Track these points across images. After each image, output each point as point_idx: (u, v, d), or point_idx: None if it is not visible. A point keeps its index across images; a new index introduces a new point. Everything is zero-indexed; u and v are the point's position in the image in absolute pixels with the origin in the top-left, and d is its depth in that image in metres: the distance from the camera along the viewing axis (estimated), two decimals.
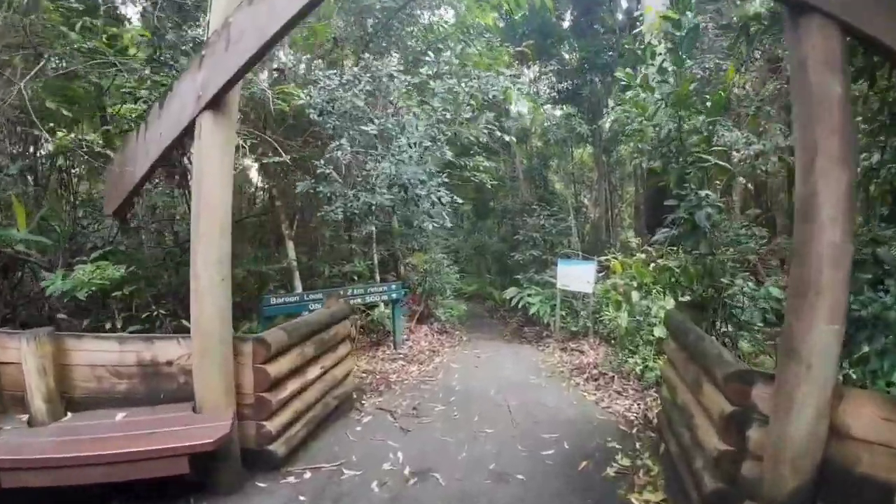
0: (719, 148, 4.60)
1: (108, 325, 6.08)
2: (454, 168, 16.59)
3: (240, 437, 4.43)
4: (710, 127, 4.23)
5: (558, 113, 21.21)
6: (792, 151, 11.70)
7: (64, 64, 5.95)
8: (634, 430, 5.31)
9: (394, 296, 8.90)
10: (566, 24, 18.89)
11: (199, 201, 4.19)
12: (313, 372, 5.30)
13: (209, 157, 4.17)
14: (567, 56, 19.89)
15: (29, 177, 6.82)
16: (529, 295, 11.68)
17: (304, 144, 8.32)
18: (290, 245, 8.55)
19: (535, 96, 20.76)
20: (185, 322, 5.39)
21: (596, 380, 7.35)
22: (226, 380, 4.25)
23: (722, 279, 4.20)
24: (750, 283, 4.29)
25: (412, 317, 10.88)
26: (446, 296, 11.34)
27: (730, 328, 4.41)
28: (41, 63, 5.74)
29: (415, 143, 7.80)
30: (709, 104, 4.14)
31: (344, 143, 7.04)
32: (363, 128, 7.41)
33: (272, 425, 4.57)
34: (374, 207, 7.56)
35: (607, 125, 15.82)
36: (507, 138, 13.71)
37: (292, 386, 4.89)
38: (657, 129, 4.29)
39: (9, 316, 6.51)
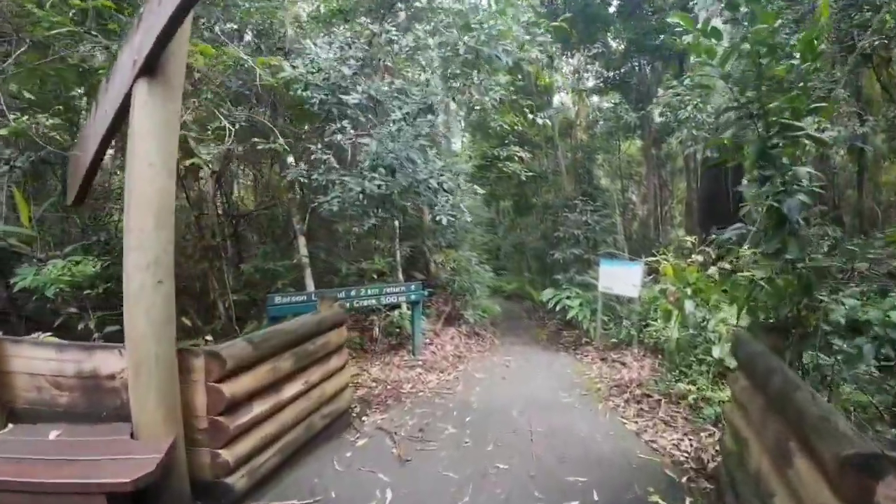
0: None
1: (80, 326, 5.44)
2: (494, 160, 15.60)
3: (192, 466, 3.64)
4: (809, 76, 3.03)
5: (605, 105, 19.86)
6: (865, 141, 10.30)
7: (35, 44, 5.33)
8: (685, 479, 4.16)
9: (413, 297, 7.96)
10: (612, 10, 17.39)
11: (130, 187, 3.36)
12: (292, 389, 4.43)
13: (142, 132, 3.34)
14: (613, 44, 18.47)
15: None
16: (568, 297, 10.53)
17: (315, 131, 7.47)
18: (302, 240, 7.75)
19: (578, 85, 19.58)
20: None
21: (639, 402, 6.18)
22: (165, 402, 3.42)
23: (821, 295, 2.99)
24: (857, 302, 3.05)
25: (438, 318, 9.93)
26: (476, 296, 10.27)
27: (822, 363, 3.16)
28: (21, 48, 5.22)
29: (408, 114, 6.68)
30: (796, 53, 2.95)
31: (346, 126, 6.06)
32: (343, 97, 6.33)
33: (230, 454, 3.73)
34: (364, 196, 6.44)
35: (657, 113, 14.39)
36: (540, 121, 12.28)
37: (260, 407, 4.04)
38: (730, 84, 3.12)
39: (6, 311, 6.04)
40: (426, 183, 6.70)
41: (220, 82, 5.99)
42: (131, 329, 3.31)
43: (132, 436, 3.45)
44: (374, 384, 6.86)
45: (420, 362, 7.84)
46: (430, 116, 7.03)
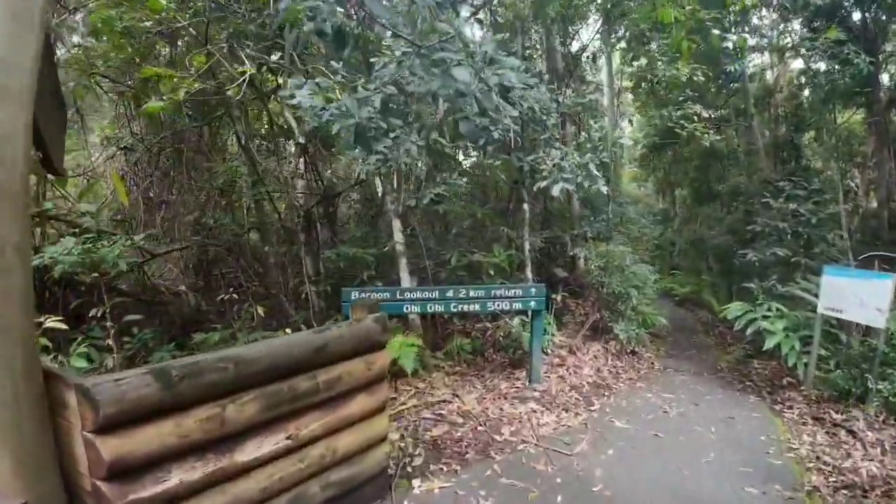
0: None
1: None
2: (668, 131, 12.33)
3: None
4: None
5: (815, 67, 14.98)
6: None
7: None
8: None
9: (531, 305, 5.76)
10: None
11: None
12: (262, 447, 2.66)
13: None
14: None
15: None
16: (766, 317, 7.36)
17: None
18: (397, 224, 6.03)
19: (777, 42, 15.05)
20: None
21: None
22: (10, 445, 1.88)
23: None
24: None
25: (578, 329, 7.57)
26: (633, 304, 7.65)
27: None
28: None
29: None
30: None
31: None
32: None
33: None
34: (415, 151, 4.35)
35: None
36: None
37: (185, 475, 2.29)
38: None
39: None
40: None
41: None
42: None
43: None
44: (460, 420, 4.91)
45: (537, 393, 5.67)
46: None
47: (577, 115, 8.87)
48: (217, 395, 2.52)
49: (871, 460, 4.76)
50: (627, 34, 12.74)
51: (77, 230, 5.64)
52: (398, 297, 5.49)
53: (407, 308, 5.56)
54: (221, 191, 6.62)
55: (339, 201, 7.14)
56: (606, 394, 6.27)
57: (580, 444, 4.69)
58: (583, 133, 7.04)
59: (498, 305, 5.65)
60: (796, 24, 14.12)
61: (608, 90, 13.76)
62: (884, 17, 13.11)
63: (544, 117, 6.21)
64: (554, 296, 7.38)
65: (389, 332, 3.56)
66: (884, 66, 10.40)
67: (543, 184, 5.81)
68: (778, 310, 7.81)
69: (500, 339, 6.44)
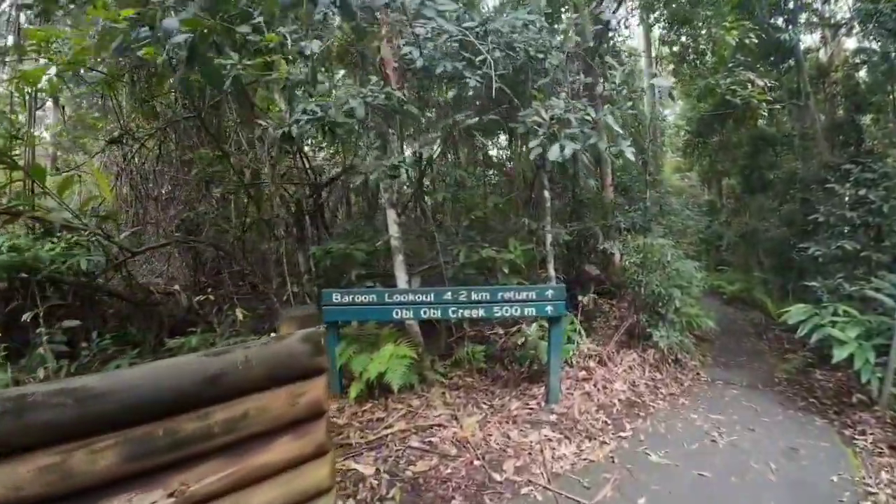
0: None
1: None
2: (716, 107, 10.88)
3: None
4: None
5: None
6: None
7: None
8: None
9: (547, 310, 4.74)
10: None
11: None
12: None
13: None
14: None
15: None
16: (833, 323, 6.08)
17: None
18: (391, 215, 5.14)
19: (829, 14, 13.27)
20: None
21: None
22: None
23: None
24: None
25: (612, 335, 6.50)
26: (675, 306, 6.46)
27: None
28: None
29: None
30: None
31: None
32: None
33: None
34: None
35: None
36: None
37: None
38: None
39: None
40: None
41: None
42: None
43: None
44: (454, 451, 3.99)
45: (554, 416, 4.68)
46: None
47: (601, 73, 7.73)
48: (57, 438, 1.78)
49: None
50: (667, 12, 11.49)
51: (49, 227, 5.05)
52: (386, 300, 4.62)
53: (396, 314, 4.69)
54: (207, 183, 5.95)
55: (331, 190, 6.32)
56: (642, 414, 5.20)
57: (603, 489, 3.69)
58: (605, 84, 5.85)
59: (506, 311, 4.67)
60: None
61: (646, 66, 12.45)
62: None
63: (541, 55, 5.14)
64: (583, 297, 6.33)
65: (324, 354, 2.65)
66: None
67: (534, 144, 4.70)
68: (847, 314, 6.51)
69: (515, 348, 5.45)
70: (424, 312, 4.67)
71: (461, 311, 4.65)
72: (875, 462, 4.54)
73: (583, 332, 5.97)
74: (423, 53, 4.65)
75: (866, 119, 12.75)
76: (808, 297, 7.81)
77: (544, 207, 5.72)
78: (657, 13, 11.55)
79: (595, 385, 5.34)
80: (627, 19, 9.16)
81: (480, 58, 4.61)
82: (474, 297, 4.65)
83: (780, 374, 7.49)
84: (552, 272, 5.74)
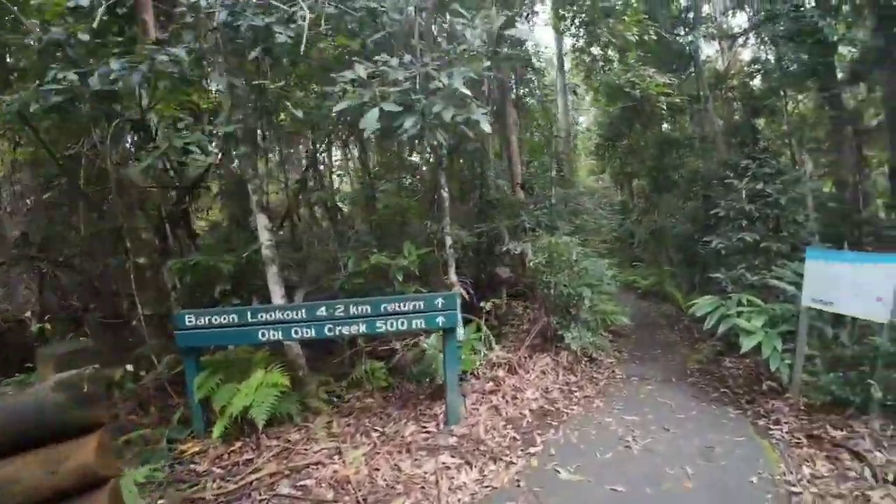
0: None
1: None
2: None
3: None
4: None
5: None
6: None
7: None
8: None
9: (437, 321, 4.07)
10: None
11: None
12: None
13: None
14: None
15: None
16: (740, 313, 5.82)
17: None
18: (262, 220, 4.30)
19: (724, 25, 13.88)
20: None
21: None
22: None
23: None
24: None
25: (522, 341, 5.94)
26: (583, 306, 6.00)
27: None
28: None
29: None
30: None
31: None
32: None
33: None
34: None
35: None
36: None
37: None
38: None
39: None
40: None
41: None
42: None
43: None
44: (330, 495, 3.22)
45: (454, 439, 4.01)
46: None
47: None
48: None
49: (889, 496, 3.29)
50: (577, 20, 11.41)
51: None
52: (249, 320, 3.81)
53: (263, 335, 3.87)
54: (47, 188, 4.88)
55: (198, 193, 5.39)
56: (554, 423, 4.64)
57: None
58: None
59: (391, 324, 3.96)
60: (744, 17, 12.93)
61: (558, 74, 12.32)
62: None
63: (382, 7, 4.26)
64: (486, 302, 5.74)
65: (95, 403, 1.85)
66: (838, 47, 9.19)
67: (340, 106, 3.71)
68: (751, 303, 6.32)
69: (413, 363, 4.74)
70: (296, 332, 3.88)
71: (338, 327, 3.89)
72: (794, 455, 4.22)
73: (492, 339, 5.38)
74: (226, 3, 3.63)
75: (761, 122, 13.23)
76: (714, 289, 7.67)
77: (443, 208, 5.06)
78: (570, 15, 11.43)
79: (504, 397, 4.73)
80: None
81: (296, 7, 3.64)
82: (353, 311, 3.90)
83: (692, 364, 7.25)
84: (454, 277, 5.10)
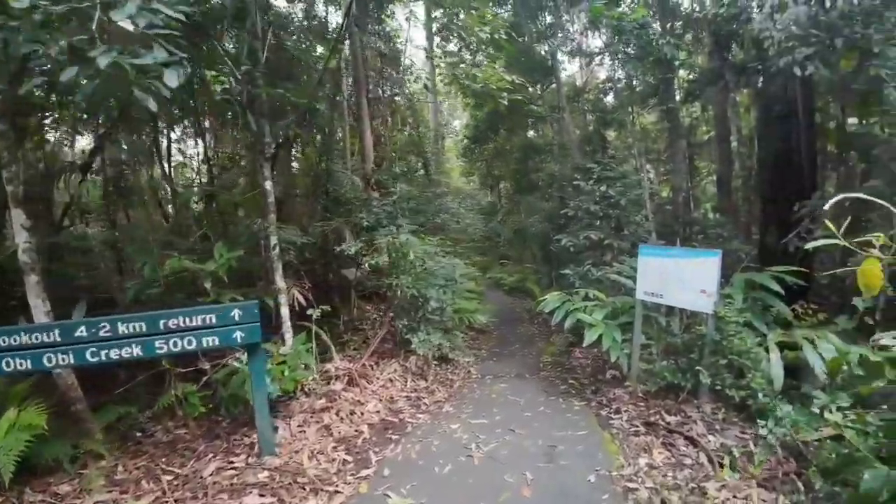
0: None
1: None
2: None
3: None
4: None
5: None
6: None
7: None
8: None
9: (235, 338, 3.31)
10: None
11: None
12: None
13: None
14: None
15: None
16: (585, 308, 5.80)
17: None
18: (18, 215, 3.23)
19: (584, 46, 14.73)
20: None
21: None
22: None
23: None
24: None
25: (366, 348, 5.34)
26: (428, 309, 5.51)
27: None
28: None
29: None
30: None
31: None
32: None
33: None
34: None
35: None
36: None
37: None
38: None
39: None
40: None
41: None
42: None
43: None
44: None
45: (266, 473, 3.28)
46: None
47: None
48: None
49: (725, 487, 3.25)
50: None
51: None
52: None
53: (8, 364, 2.86)
54: None
55: None
56: (395, 437, 4.12)
57: None
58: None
59: (175, 344, 3.13)
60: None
61: (430, 74, 12.01)
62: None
63: None
64: (325, 308, 5.04)
65: None
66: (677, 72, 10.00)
67: None
68: (595, 298, 6.39)
69: (222, 386, 3.92)
70: (49, 359, 2.90)
71: (104, 351, 2.99)
72: (632, 444, 4.14)
73: (333, 348, 4.73)
74: None
75: (611, 133, 14.11)
76: (565, 284, 7.80)
77: (267, 203, 4.29)
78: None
79: (339, 413, 4.10)
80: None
81: None
82: (123, 329, 3.01)
83: (546, 357, 7.23)
84: (281, 282, 4.35)
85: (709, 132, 14.59)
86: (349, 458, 3.66)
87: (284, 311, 4.33)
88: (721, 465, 3.71)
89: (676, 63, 8.98)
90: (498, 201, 17.25)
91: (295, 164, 7.38)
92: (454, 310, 7.72)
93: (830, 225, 2.25)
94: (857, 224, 6.19)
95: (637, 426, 4.48)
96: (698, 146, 16.39)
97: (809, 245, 2.25)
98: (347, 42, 6.62)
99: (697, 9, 10.59)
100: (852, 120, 9.34)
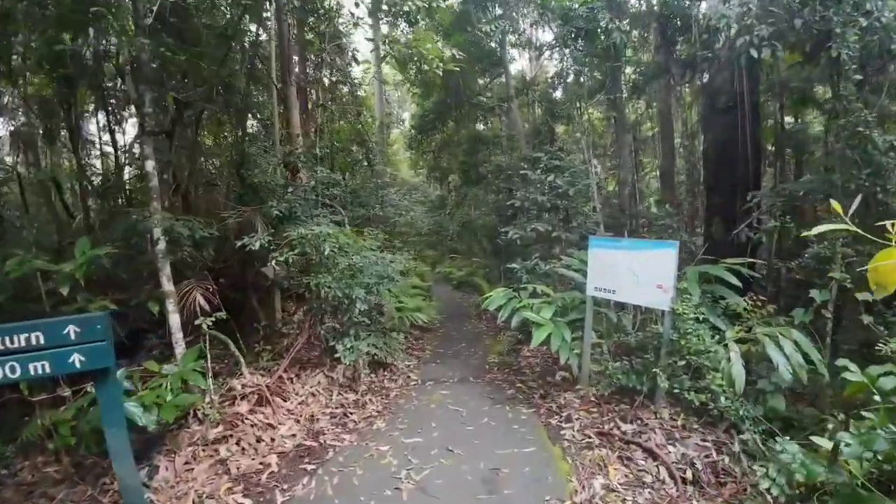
0: None
1: None
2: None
3: None
4: None
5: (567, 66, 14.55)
6: None
7: None
8: None
9: (74, 361, 2.33)
10: None
11: None
12: None
13: None
14: None
15: None
16: (531, 305, 5.19)
17: None
18: None
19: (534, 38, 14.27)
20: None
21: None
22: None
23: None
24: None
25: (281, 359, 4.50)
26: (355, 312, 4.64)
27: None
28: None
29: None
30: None
31: None
32: None
33: None
34: None
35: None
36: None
37: None
38: None
39: None
40: None
41: None
42: None
43: None
44: None
45: None
46: None
47: None
48: None
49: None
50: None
51: None
52: None
53: None
54: None
55: None
56: (312, 467, 3.36)
57: None
58: None
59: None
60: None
61: (375, 61, 11.17)
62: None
63: None
64: (205, 319, 4.16)
65: None
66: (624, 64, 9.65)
67: None
68: (543, 294, 5.83)
69: (80, 420, 3.05)
70: None
71: None
72: (586, 461, 3.58)
73: (243, 360, 3.89)
74: None
75: (560, 127, 13.70)
76: (513, 278, 7.25)
77: (149, 188, 3.39)
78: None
79: (240, 443, 3.29)
80: None
81: None
82: None
83: (493, 357, 6.64)
84: (168, 286, 3.46)
85: (653, 129, 14.49)
86: (247, 502, 2.87)
87: (174, 320, 3.46)
88: (684, 481, 3.22)
89: (623, 51, 8.63)
90: (447, 194, 16.58)
91: (211, 147, 6.38)
92: (397, 308, 7.00)
93: (838, 209, 1.71)
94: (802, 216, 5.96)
95: (590, 437, 3.94)
96: (643, 142, 16.36)
97: (815, 230, 1.70)
98: (273, 8, 5.71)
99: (644, 7, 10.23)
100: (789, 119, 9.33)
